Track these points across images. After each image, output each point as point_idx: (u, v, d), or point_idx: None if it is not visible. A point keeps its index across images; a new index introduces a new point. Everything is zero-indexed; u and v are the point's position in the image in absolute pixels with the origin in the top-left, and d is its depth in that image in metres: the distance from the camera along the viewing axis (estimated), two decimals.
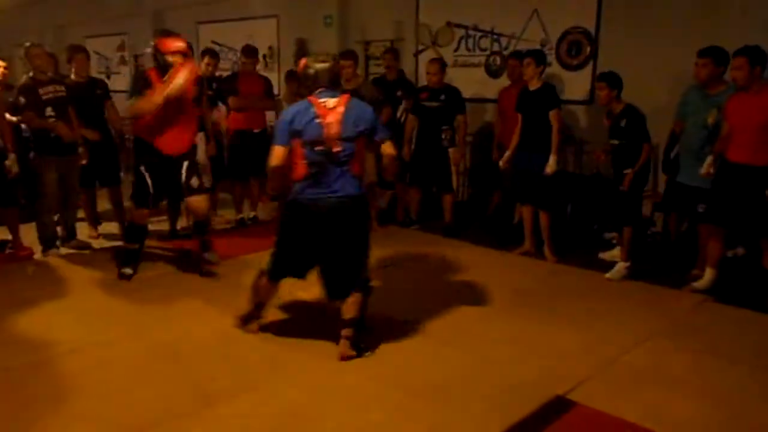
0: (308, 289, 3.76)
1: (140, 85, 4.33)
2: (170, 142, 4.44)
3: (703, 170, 4.21)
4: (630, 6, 5.51)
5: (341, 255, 3.30)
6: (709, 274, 4.33)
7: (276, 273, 3.49)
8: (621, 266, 4.60)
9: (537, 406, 2.81)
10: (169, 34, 4.46)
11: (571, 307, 4.00)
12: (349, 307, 3.29)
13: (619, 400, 2.89)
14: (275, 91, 6.77)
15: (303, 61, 3.40)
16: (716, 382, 3.06)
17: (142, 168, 4.45)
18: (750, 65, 3.86)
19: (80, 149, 5.24)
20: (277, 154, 3.24)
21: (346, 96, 3.30)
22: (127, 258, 4.60)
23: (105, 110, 5.78)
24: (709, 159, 4.19)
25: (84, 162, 5.32)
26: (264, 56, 8.82)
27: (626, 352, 3.24)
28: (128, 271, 4.54)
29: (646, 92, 4.91)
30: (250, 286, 3.61)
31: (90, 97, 5.57)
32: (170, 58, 4.26)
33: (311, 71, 3.28)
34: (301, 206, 3.28)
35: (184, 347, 3.49)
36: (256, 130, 6.22)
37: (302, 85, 3.41)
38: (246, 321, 3.66)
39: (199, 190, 4.62)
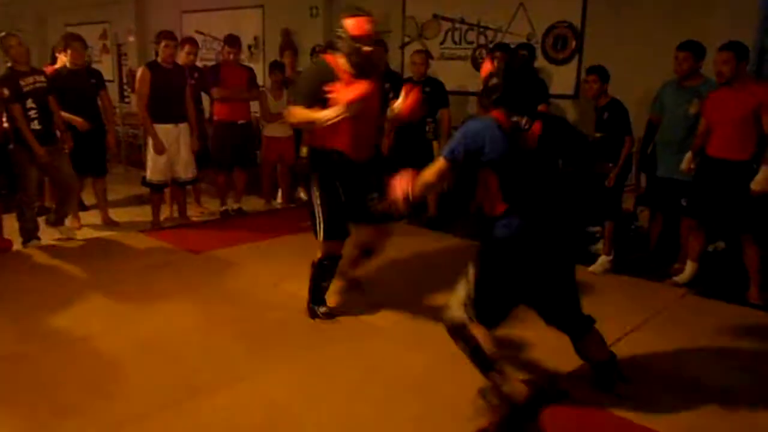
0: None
1: (318, 82, 3.32)
2: (361, 146, 3.52)
3: (683, 165, 4.26)
4: (614, 0, 5.53)
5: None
6: (690, 267, 4.38)
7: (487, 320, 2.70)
8: (604, 260, 4.64)
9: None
10: (357, 12, 3.37)
11: None
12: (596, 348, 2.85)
13: (603, 393, 2.91)
14: (259, 82, 6.72)
15: (488, 66, 2.79)
16: (699, 374, 3.09)
17: (336, 183, 3.50)
18: (736, 60, 3.90)
19: (60, 135, 5.15)
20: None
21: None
22: (321, 297, 3.76)
23: (99, 99, 5.74)
24: (689, 155, 4.24)
25: (69, 146, 5.21)
26: (249, 47, 8.76)
27: (609, 345, 3.26)
28: (328, 308, 3.75)
29: (630, 86, 4.93)
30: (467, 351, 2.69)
31: (85, 87, 5.51)
32: (364, 47, 3.30)
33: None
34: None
35: (167, 340, 3.46)
36: (240, 122, 6.17)
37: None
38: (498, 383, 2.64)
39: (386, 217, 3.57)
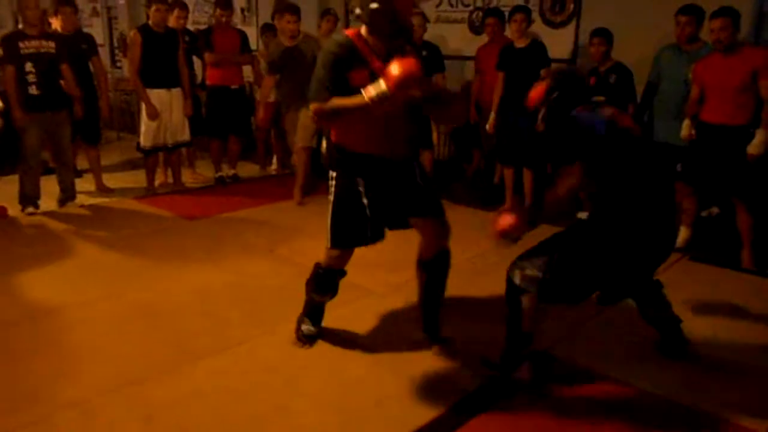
0: None
1: (341, 68, 2.64)
2: (395, 141, 2.83)
3: (683, 132, 4.24)
4: None
5: None
6: (684, 232, 4.40)
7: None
8: None
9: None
10: None
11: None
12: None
13: (596, 357, 2.96)
14: (253, 46, 6.62)
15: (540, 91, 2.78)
16: (690, 337, 3.13)
17: (358, 186, 2.80)
18: (733, 26, 3.87)
19: (76, 106, 5.14)
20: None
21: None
22: (314, 314, 3.15)
23: (91, 65, 5.65)
24: (687, 122, 4.21)
25: (80, 116, 5.20)
26: (242, 10, 8.60)
27: (602, 311, 3.29)
28: (312, 329, 3.12)
29: (629, 50, 4.87)
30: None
31: (75, 53, 5.42)
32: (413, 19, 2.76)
33: None
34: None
35: (164, 305, 3.48)
36: (233, 87, 6.09)
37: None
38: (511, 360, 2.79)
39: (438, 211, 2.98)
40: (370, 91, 2.47)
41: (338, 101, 2.60)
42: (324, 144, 3.08)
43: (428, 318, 3.13)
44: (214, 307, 3.46)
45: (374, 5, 2.54)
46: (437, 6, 6.74)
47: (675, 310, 2.99)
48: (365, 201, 2.79)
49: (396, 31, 2.62)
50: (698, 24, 4.28)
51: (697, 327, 3.20)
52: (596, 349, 3.05)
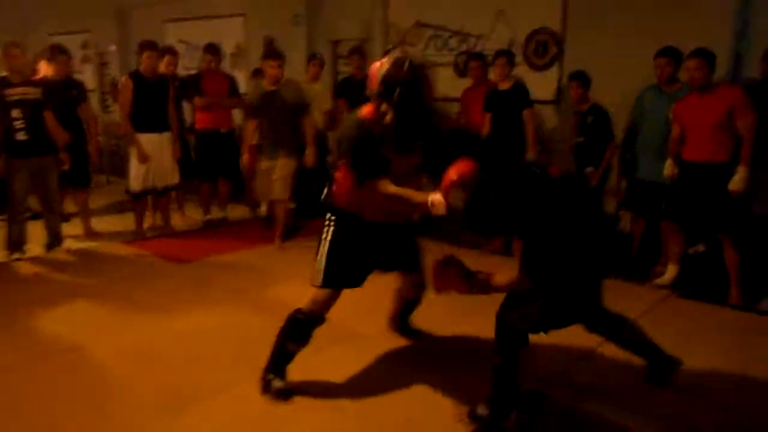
0: None
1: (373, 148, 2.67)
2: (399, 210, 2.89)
3: (666, 172, 4.31)
4: (593, 7, 5.59)
5: None
6: (671, 270, 4.44)
7: None
8: None
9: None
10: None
11: None
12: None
13: (589, 395, 2.95)
14: (243, 90, 6.71)
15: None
16: (681, 374, 3.12)
17: (359, 232, 2.87)
18: (708, 66, 3.99)
19: (61, 154, 5.14)
20: None
21: None
22: (281, 366, 2.96)
23: (80, 111, 5.70)
24: (670, 161, 4.29)
25: (65, 167, 5.21)
26: (231, 55, 8.74)
27: (599, 345, 3.29)
28: (282, 384, 2.93)
29: (609, 91, 5.00)
30: None
31: (64, 98, 5.48)
32: None
33: None
34: None
35: (153, 349, 3.44)
36: (223, 130, 6.17)
37: None
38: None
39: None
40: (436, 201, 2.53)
41: (404, 191, 2.66)
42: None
43: (404, 320, 3.50)
44: (205, 351, 3.42)
45: None
46: (424, 50, 6.88)
47: (665, 346, 3.00)
48: (364, 244, 2.85)
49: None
50: (676, 65, 4.42)
51: (686, 363, 3.20)
52: (587, 383, 3.04)
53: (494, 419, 2.67)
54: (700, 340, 3.58)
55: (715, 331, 3.73)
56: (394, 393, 2.99)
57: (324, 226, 2.92)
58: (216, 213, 6.34)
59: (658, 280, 4.44)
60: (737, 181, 3.93)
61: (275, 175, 5.33)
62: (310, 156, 5.43)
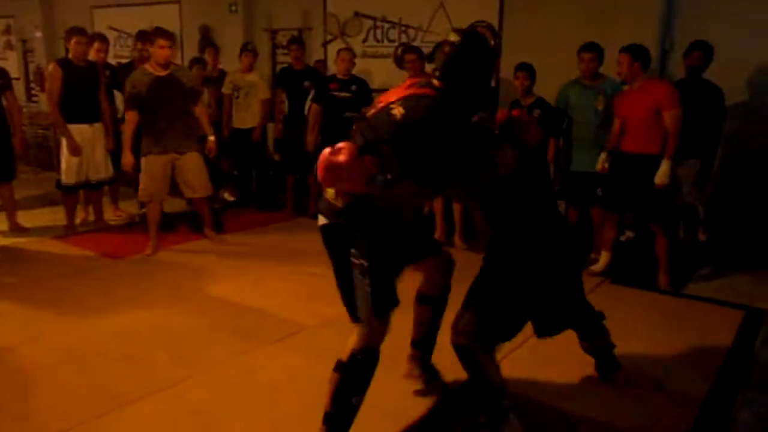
0: None
1: None
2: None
3: (598, 166, 4.45)
4: (528, 3, 5.71)
5: None
6: (604, 257, 4.60)
7: None
8: None
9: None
10: None
11: None
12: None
13: (531, 386, 3.04)
14: None
15: None
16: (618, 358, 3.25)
17: (387, 245, 2.40)
18: (632, 60, 4.15)
19: None
20: None
21: None
22: (344, 422, 2.41)
23: (4, 100, 5.40)
24: (603, 155, 4.43)
25: None
26: None
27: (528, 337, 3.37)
28: None
29: (545, 85, 5.11)
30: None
31: None
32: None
33: None
34: None
35: (85, 350, 3.32)
36: None
37: None
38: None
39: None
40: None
41: None
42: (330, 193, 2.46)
43: (427, 356, 2.91)
44: (139, 350, 3.33)
45: None
46: (363, 41, 6.87)
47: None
48: (395, 256, 2.47)
49: None
50: (600, 60, 4.61)
51: (621, 347, 3.33)
52: (524, 371, 3.12)
53: (493, 424, 2.58)
54: (632, 323, 3.72)
55: (646, 314, 3.90)
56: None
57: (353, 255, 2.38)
58: None
59: (593, 267, 4.60)
60: (661, 174, 4.11)
61: (189, 172, 4.98)
62: (213, 144, 5.14)
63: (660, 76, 4.99)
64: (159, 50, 4.78)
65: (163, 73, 4.82)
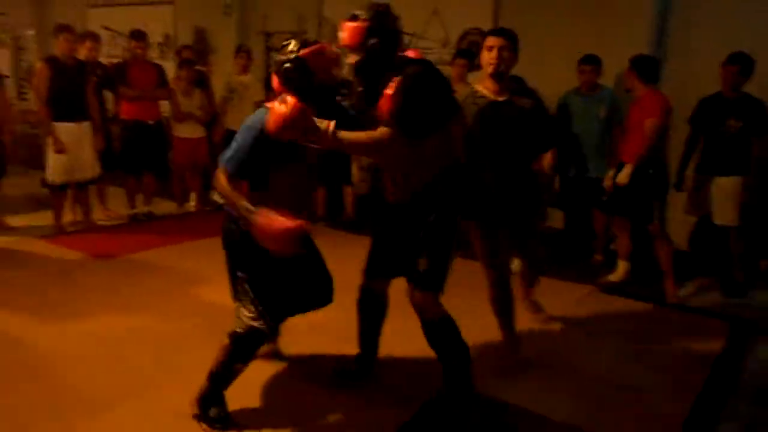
0: None
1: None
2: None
3: (606, 183, 4.40)
4: (522, 10, 5.71)
5: None
6: (621, 266, 4.58)
7: None
8: (515, 263, 4.75)
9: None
10: None
11: (466, 298, 4.06)
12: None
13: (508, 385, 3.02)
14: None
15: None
16: (601, 368, 3.23)
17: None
18: (631, 72, 4.22)
19: None
20: None
21: None
22: (467, 374, 2.80)
23: None
24: (611, 172, 4.39)
25: None
26: (160, 44, 8.46)
27: (521, 342, 3.36)
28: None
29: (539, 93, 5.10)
30: None
31: None
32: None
33: None
34: None
35: (64, 352, 3.27)
36: (150, 122, 5.94)
37: None
38: None
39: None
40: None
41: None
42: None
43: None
44: (123, 353, 3.28)
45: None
46: None
47: (587, 340, 3.09)
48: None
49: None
50: (598, 72, 4.75)
51: (606, 357, 3.32)
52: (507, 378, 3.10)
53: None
54: (623, 335, 3.71)
55: (631, 324, 3.89)
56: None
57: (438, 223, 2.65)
58: (141, 207, 6.11)
59: (611, 277, 4.57)
60: (621, 174, 4.20)
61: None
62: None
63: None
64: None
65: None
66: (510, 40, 3.05)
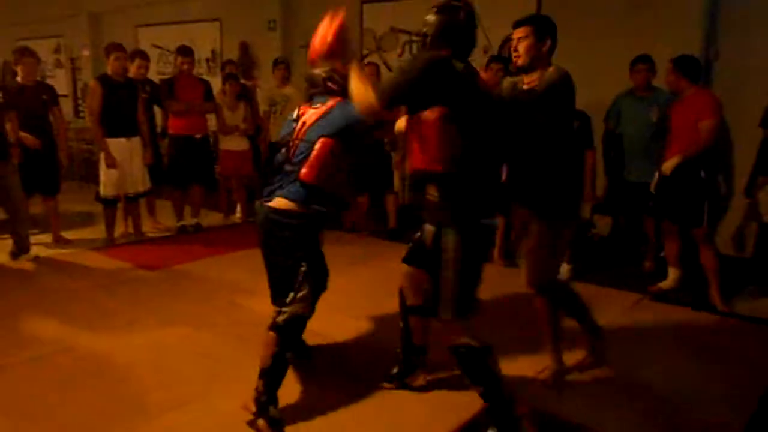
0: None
1: None
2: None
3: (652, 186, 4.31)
4: (565, 13, 5.60)
5: (273, 270, 2.99)
6: (672, 273, 4.44)
7: None
8: (564, 268, 4.66)
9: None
10: None
11: (517, 308, 4.01)
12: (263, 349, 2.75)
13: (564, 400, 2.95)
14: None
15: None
16: (651, 380, 3.12)
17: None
18: (676, 72, 4.13)
19: (10, 149, 4.98)
20: None
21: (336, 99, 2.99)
22: (509, 407, 2.56)
23: (51, 116, 5.58)
24: (657, 175, 4.29)
25: (15, 160, 5.04)
26: (207, 60, 8.67)
27: (568, 350, 3.27)
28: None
29: (584, 97, 5.00)
30: None
31: (35, 103, 5.36)
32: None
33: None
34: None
35: (117, 360, 3.35)
36: (197, 136, 6.07)
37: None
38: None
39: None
40: None
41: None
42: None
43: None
44: (171, 361, 3.34)
45: None
46: (399, 55, 6.88)
47: (637, 351, 2.99)
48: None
49: None
50: (653, 71, 4.61)
51: (656, 368, 3.21)
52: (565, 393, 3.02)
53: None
54: (672, 345, 3.59)
55: (683, 333, 3.74)
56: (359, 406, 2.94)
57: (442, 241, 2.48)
58: (189, 219, 6.25)
59: (662, 284, 4.44)
60: (667, 164, 4.11)
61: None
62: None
63: (705, 84, 4.84)
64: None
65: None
66: (529, 26, 2.94)
